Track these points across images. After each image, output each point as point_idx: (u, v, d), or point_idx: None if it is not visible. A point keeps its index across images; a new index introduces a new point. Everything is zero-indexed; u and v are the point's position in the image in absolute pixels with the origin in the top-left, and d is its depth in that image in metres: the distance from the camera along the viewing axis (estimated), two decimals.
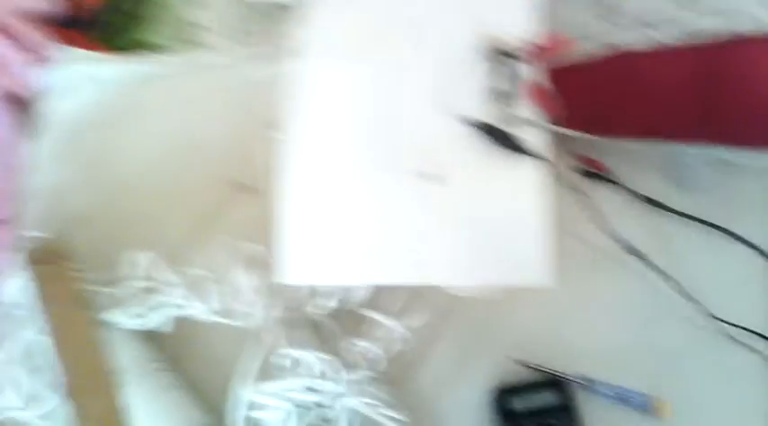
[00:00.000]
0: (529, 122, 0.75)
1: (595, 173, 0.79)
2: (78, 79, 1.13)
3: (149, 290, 0.86)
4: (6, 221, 1.06)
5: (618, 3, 0.83)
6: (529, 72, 0.76)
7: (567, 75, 0.77)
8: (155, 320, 0.83)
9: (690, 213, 0.79)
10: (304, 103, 0.86)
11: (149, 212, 1.02)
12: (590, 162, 0.79)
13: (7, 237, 1.05)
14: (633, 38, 0.80)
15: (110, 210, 1.03)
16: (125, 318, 0.82)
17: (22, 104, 1.15)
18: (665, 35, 0.79)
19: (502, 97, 0.76)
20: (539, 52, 0.76)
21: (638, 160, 0.80)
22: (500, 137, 0.74)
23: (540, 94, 0.75)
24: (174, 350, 0.84)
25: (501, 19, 0.78)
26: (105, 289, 0.83)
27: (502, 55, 0.76)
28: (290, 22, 1.06)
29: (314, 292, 0.80)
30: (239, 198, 0.98)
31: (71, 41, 1.17)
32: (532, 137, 0.75)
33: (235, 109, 1.03)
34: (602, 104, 0.77)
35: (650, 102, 0.75)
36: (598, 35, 0.81)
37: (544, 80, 0.76)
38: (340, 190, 0.80)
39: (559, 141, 0.76)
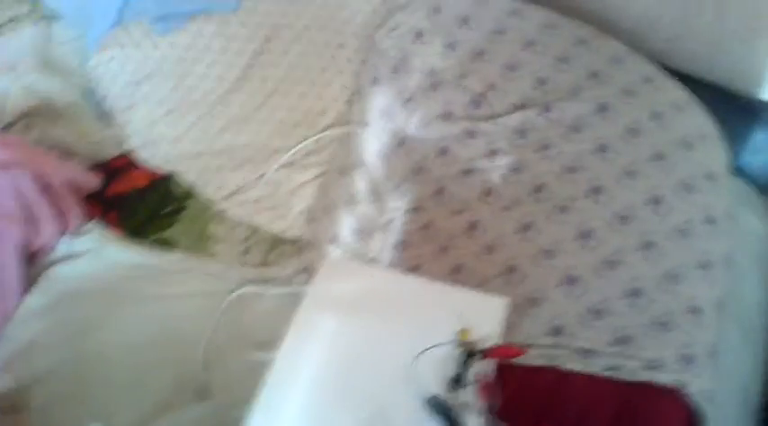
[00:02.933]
0: (470, 409, 0.90)
1: None
2: (87, 251, 1.24)
3: None
4: None
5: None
6: (483, 367, 0.92)
7: (507, 371, 0.94)
8: None
9: None
10: (296, 337, 0.98)
11: (111, 386, 1.11)
12: None
13: None
14: (574, 365, 0.99)
15: (76, 374, 1.11)
16: None
17: (34, 258, 1.22)
18: (598, 366, 0.99)
19: (457, 384, 0.91)
20: (495, 353, 0.94)
21: None
22: (445, 413, 0.88)
23: (486, 387, 0.91)
24: None
25: (475, 320, 0.96)
26: None
27: (468, 349, 0.93)
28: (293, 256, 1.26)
29: None
30: (193, 396, 1.10)
31: (102, 217, 1.31)
32: (470, 422, 0.89)
33: (216, 317, 1.18)
34: (530, 405, 0.97)
35: (571, 414, 0.96)
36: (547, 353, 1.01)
37: (493, 376, 0.92)
38: (295, 420, 0.93)
39: None
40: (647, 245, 1.06)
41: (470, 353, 0.91)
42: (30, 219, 1.21)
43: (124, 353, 1.15)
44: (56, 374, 1.11)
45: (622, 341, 1.00)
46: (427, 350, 0.91)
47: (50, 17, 1.58)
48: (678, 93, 1.23)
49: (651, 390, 0.97)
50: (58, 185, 1.26)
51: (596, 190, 1.11)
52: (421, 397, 0.90)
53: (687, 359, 0.98)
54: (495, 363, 0.94)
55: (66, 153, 1.43)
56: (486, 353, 0.92)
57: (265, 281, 1.25)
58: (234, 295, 1.21)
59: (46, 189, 1.25)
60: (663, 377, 0.97)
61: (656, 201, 1.10)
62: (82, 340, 1.16)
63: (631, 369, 0.98)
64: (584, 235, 1.08)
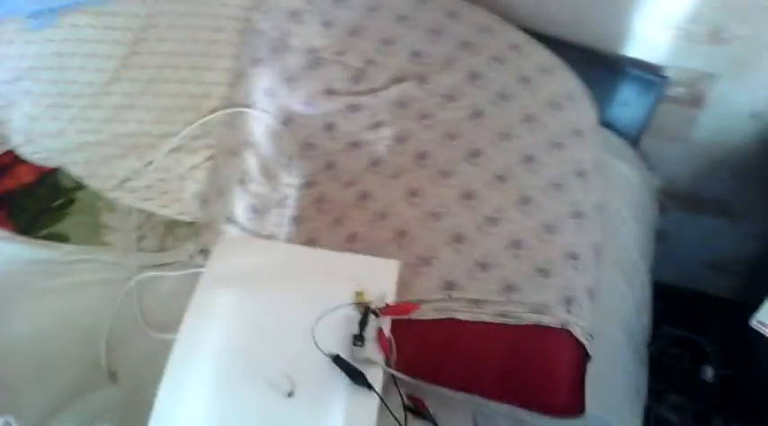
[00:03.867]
0: (371, 363, 0.97)
1: (417, 410, 0.99)
2: None
3: None
4: None
5: None
6: (380, 324, 0.99)
7: (406, 328, 1.02)
8: None
9: None
10: (196, 314, 1.02)
11: (17, 379, 1.11)
12: (415, 400, 1.00)
13: None
14: (466, 315, 1.06)
15: None
16: None
17: None
18: (488, 314, 1.06)
19: (357, 340, 0.97)
20: (390, 310, 1.01)
21: (454, 406, 1.03)
22: (347, 369, 0.95)
23: (384, 342, 0.98)
24: None
25: (370, 282, 1.03)
26: None
27: (364, 308, 1.00)
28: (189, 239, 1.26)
29: None
30: (101, 382, 1.11)
31: None
32: (372, 376, 0.95)
33: (117, 302, 1.19)
34: (430, 357, 1.04)
35: (467, 362, 1.04)
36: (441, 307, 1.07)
37: (389, 331, 1.00)
38: (204, 393, 0.96)
39: (393, 381, 0.98)
40: (525, 201, 1.15)
41: (367, 312, 0.97)
42: None
43: (27, 347, 1.15)
44: None
45: (509, 289, 1.08)
46: (328, 312, 0.96)
47: None
48: (545, 57, 1.32)
49: (538, 331, 1.05)
50: None
51: (474, 154, 1.19)
52: (325, 357, 0.95)
53: (568, 301, 1.07)
54: (390, 320, 1.00)
55: None
56: (382, 311, 0.98)
57: (163, 265, 1.26)
58: (132, 281, 1.21)
59: None
60: (548, 320, 1.05)
61: (529, 160, 1.18)
62: None
63: (519, 315, 1.06)
64: (467, 196, 1.15)
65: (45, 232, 1.32)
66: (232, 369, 0.98)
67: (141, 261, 1.26)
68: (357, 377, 0.94)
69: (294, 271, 1.09)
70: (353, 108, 1.27)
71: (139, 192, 1.36)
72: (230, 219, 1.25)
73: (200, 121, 1.38)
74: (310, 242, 1.18)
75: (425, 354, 1.04)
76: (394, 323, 1.02)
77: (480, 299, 1.07)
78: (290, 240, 1.20)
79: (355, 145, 1.26)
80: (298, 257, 1.12)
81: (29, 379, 1.11)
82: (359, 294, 1.00)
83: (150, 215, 1.34)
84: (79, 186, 1.37)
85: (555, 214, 1.14)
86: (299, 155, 1.27)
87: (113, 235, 1.32)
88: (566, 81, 1.30)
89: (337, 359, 0.95)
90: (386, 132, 1.24)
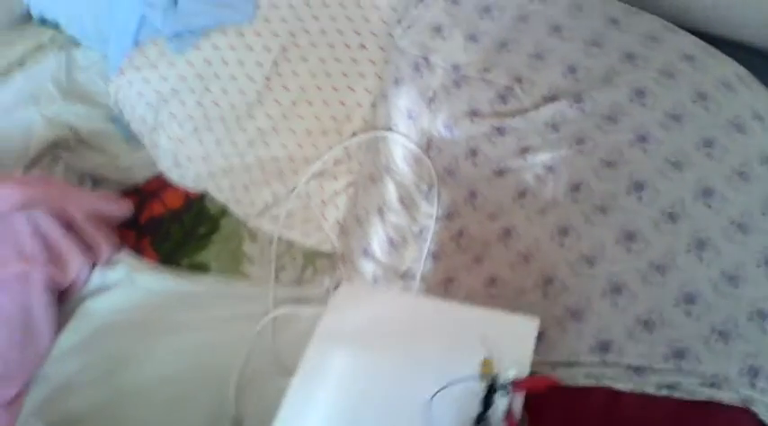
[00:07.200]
0: None
1: None
2: (120, 282, 1.23)
3: None
4: (12, 403, 1.09)
5: None
6: (510, 403, 0.83)
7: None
8: None
9: None
10: (306, 374, 0.93)
11: (147, 422, 1.09)
12: None
13: (8, 421, 1.07)
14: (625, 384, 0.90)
15: (112, 414, 1.10)
16: None
17: (63, 294, 1.21)
18: (652, 384, 0.89)
19: (479, 422, 0.82)
20: (524, 387, 0.84)
21: None
22: None
23: (512, 422, 0.82)
24: None
25: (501, 346, 0.87)
26: None
27: (490, 384, 0.83)
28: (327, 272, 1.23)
29: None
30: None
31: (134, 245, 1.33)
32: None
33: (250, 340, 1.15)
34: None
35: None
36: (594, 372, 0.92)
37: (519, 412, 0.84)
38: None
39: None
40: (701, 244, 0.96)
41: (494, 387, 0.83)
42: (54, 258, 1.19)
43: (159, 387, 1.13)
44: (91, 416, 1.10)
45: (678, 354, 0.91)
46: (445, 388, 0.83)
47: (71, 44, 1.57)
48: (726, 68, 1.11)
49: (713, 410, 0.88)
50: (81, 218, 1.25)
51: (639, 186, 1.01)
52: None
53: (753, 373, 0.88)
54: (523, 397, 0.86)
55: (97, 181, 1.44)
56: (513, 386, 0.84)
57: (300, 301, 1.21)
58: (267, 318, 1.17)
59: (69, 224, 1.23)
60: (726, 395, 0.88)
61: (707, 194, 0.99)
62: (117, 376, 1.14)
63: (690, 387, 0.89)
64: (629, 237, 0.98)
65: (187, 261, 1.31)
66: None
67: (279, 295, 1.22)
68: None
69: (414, 330, 0.97)
70: (499, 131, 1.14)
71: (280, 220, 1.31)
72: (366, 252, 1.18)
73: (342, 145, 1.32)
74: (448, 282, 1.09)
75: (572, 424, 0.89)
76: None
77: (643, 366, 0.91)
78: (426, 278, 1.11)
79: (500, 173, 1.13)
80: (419, 312, 1.01)
81: (157, 422, 1.10)
82: (486, 364, 0.86)
83: (291, 245, 1.30)
84: (224, 213, 1.36)
85: (739, 261, 0.95)
86: (439, 183, 1.17)
87: (253, 266, 1.29)
88: (754, 97, 1.09)
89: None
90: (535, 159, 1.10)
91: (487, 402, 0.82)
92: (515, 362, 0.86)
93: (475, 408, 0.83)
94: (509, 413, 0.83)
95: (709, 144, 1.02)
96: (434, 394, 0.83)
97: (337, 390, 0.91)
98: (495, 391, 0.82)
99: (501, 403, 0.82)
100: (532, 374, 0.86)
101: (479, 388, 0.84)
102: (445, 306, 1.01)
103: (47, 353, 1.15)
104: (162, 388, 1.13)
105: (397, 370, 0.91)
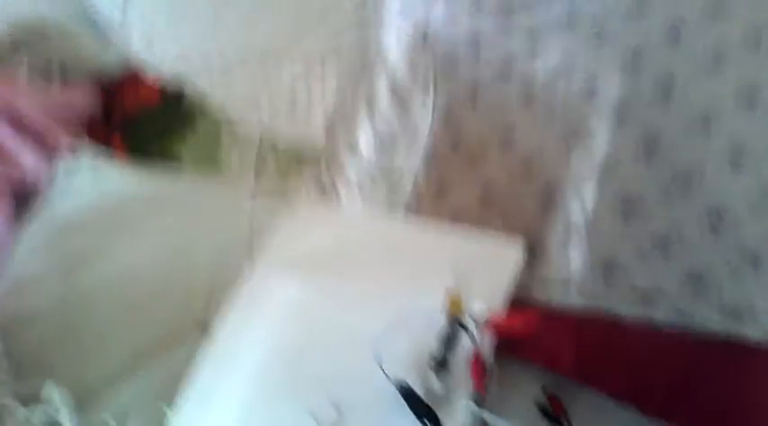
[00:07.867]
0: (452, 399, 0.72)
1: (551, 415, 0.75)
2: (84, 182, 1.18)
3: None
4: None
5: None
6: (476, 343, 0.74)
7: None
8: None
9: None
10: (243, 307, 0.87)
11: (102, 329, 1.02)
12: (553, 399, 0.76)
13: None
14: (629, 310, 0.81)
15: (65, 317, 1.02)
16: None
17: (23, 194, 1.16)
18: (663, 316, 0.80)
19: (438, 365, 0.72)
20: (495, 327, 0.75)
21: (602, 413, 0.77)
22: (414, 406, 0.70)
23: (477, 371, 0.73)
24: None
25: (474, 278, 0.78)
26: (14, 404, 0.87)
27: (456, 323, 0.74)
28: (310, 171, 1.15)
29: None
30: (191, 337, 0.96)
31: (104, 141, 1.25)
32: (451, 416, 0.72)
33: (219, 242, 1.08)
34: (588, 358, 0.78)
35: (638, 373, 0.78)
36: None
37: (488, 354, 0.74)
38: (231, 413, 0.78)
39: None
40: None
41: (460, 325, 0.72)
42: (4, 158, 1.13)
43: (120, 287, 1.07)
44: (43, 316, 1.05)
45: (696, 279, 0.80)
46: (398, 322, 0.73)
47: None
48: None
49: (733, 348, 0.78)
50: (34, 114, 1.18)
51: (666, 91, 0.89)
52: (390, 384, 0.72)
53: None
54: (492, 338, 0.76)
55: (64, 74, 1.33)
56: (481, 324, 0.73)
57: (280, 199, 1.14)
58: (244, 215, 1.11)
59: (15, 120, 1.17)
60: (750, 330, 0.77)
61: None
62: (75, 276, 1.09)
63: (707, 318, 0.79)
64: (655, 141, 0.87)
65: (160, 159, 1.24)
66: (269, 387, 0.79)
67: (258, 199, 1.16)
68: (426, 419, 0.70)
69: (378, 255, 0.87)
70: (506, 26, 1.04)
71: (263, 116, 1.24)
72: (353, 150, 1.10)
73: (330, 39, 1.23)
74: (440, 191, 1.00)
75: (564, 359, 0.80)
76: None
77: (652, 289, 0.80)
78: (417, 182, 1.02)
79: (505, 71, 1.03)
80: (389, 235, 0.91)
81: (117, 322, 1.03)
82: (453, 299, 0.74)
83: (272, 142, 1.22)
84: (202, 110, 1.27)
85: None
86: (435, 79, 1.08)
87: (232, 162, 1.22)
88: None
89: (404, 391, 0.70)
90: (546, 58, 1.00)
91: (450, 341, 0.70)
92: (488, 294, 0.75)
93: (436, 349, 0.72)
94: (476, 359, 0.72)
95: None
96: (384, 330, 0.72)
97: (276, 328, 0.82)
98: (462, 329, 0.71)
99: (465, 345, 0.72)
100: (517, 304, 0.77)
101: (442, 326, 0.73)
102: (415, 228, 0.91)
103: (5, 256, 1.10)
104: (123, 290, 1.07)
105: (349, 301, 0.81)
